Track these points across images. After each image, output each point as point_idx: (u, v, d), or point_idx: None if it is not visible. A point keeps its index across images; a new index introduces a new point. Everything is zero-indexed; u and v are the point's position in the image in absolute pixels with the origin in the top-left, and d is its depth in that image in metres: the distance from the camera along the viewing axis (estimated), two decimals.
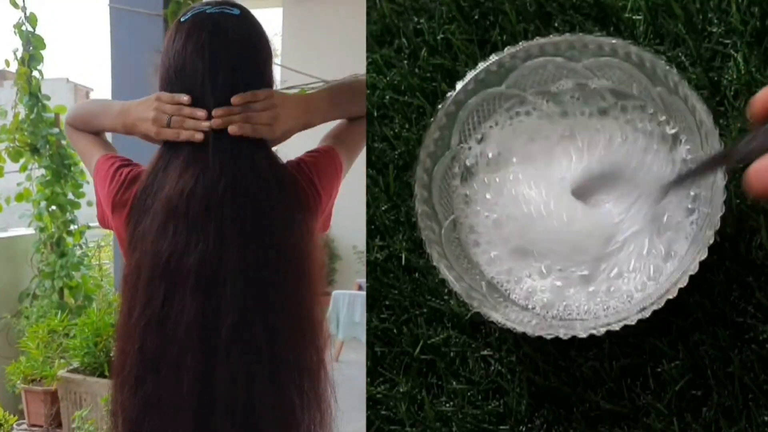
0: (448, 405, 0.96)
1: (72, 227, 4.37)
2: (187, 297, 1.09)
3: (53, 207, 4.28)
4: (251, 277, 1.11)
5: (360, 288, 5.14)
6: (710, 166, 0.82)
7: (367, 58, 1.01)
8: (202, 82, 1.16)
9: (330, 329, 4.55)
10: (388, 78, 1.01)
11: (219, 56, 1.16)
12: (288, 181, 1.18)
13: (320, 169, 1.25)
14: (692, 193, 0.90)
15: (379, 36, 1.02)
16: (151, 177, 1.17)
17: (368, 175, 1.00)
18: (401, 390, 0.97)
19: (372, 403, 0.97)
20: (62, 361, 3.80)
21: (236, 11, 1.20)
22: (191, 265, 1.10)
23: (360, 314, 4.67)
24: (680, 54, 0.95)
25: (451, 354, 0.96)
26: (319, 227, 1.26)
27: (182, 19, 1.21)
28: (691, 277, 0.83)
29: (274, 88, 1.22)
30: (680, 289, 0.83)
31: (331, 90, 1.34)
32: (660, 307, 0.83)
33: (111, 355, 3.56)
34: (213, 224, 1.11)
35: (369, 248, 0.99)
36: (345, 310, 4.76)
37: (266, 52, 1.22)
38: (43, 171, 4.27)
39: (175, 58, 1.18)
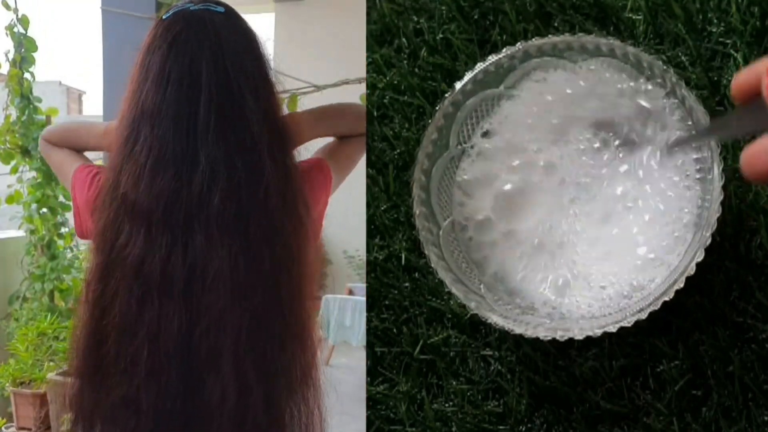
0: (448, 405, 0.96)
1: (63, 230, 4.36)
2: (172, 305, 1.08)
3: (44, 209, 4.27)
4: (239, 284, 1.09)
5: (351, 292, 5.13)
6: (698, 138, 0.82)
7: (367, 58, 1.01)
8: (180, 82, 1.11)
9: (321, 333, 4.54)
10: (388, 78, 1.01)
11: (201, 55, 1.12)
12: (289, 184, 1.15)
13: (312, 176, 1.24)
14: (688, 194, 0.90)
15: (379, 36, 1.01)
16: (125, 178, 1.12)
17: (368, 175, 1.00)
18: (401, 390, 0.97)
19: (372, 403, 0.97)
20: (51, 363, 3.78)
21: (221, 9, 1.17)
22: (177, 272, 1.07)
23: (350, 318, 4.66)
24: (680, 54, 0.95)
25: (451, 354, 0.96)
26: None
27: (164, 17, 1.18)
28: (691, 276, 0.83)
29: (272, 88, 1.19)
30: (681, 289, 0.83)
31: (315, 110, 1.36)
32: (657, 308, 0.83)
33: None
34: (200, 231, 1.08)
35: (369, 248, 0.99)
36: (335, 315, 4.76)
37: (254, 51, 1.18)
38: (34, 173, 4.26)
39: (153, 55, 1.14)
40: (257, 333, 1.10)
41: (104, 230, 1.12)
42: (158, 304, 1.08)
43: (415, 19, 1.01)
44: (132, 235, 1.09)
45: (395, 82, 1.01)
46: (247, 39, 1.18)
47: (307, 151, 1.28)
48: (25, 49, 4.21)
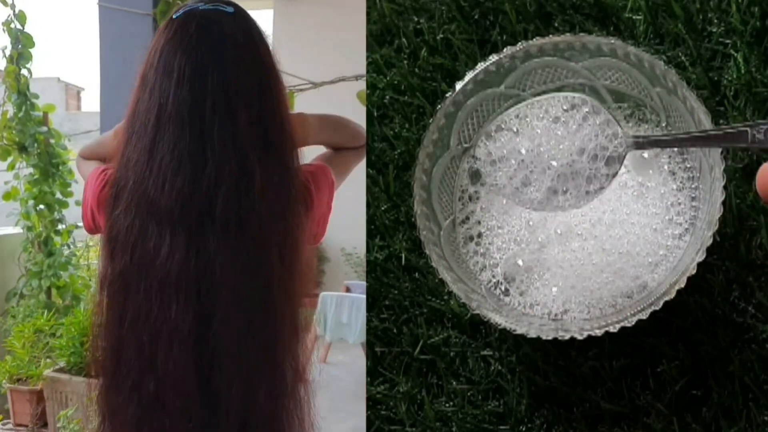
0: (448, 405, 0.96)
1: (60, 226, 4.37)
2: (183, 303, 1.09)
3: (41, 206, 4.28)
4: (246, 283, 1.11)
5: (348, 290, 5.13)
6: (720, 141, 0.79)
7: (367, 58, 1.01)
8: (193, 82, 1.12)
9: (318, 331, 4.55)
10: (388, 78, 1.01)
11: (209, 56, 1.14)
12: (289, 185, 1.16)
13: (316, 179, 1.25)
14: (692, 195, 0.90)
15: (379, 36, 1.01)
16: (132, 172, 1.14)
17: (368, 175, 1.00)
18: (401, 390, 0.97)
19: (372, 403, 0.97)
20: (48, 360, 3.79)
21: (230, 9, 1.18)
22: (189, 272, 1.10)
23: (347, 315, 4.66)
24: (680, 54, 0.95)
25: (451, 354, 0.96)
26: (309, 237, 1.26)
27: (174, 16, 1.19)
28: (691, 277, 0.83)
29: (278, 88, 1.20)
30: (680, 289, 0.83)
31: (321, 116, 1.38)
32: (658, 308, 0.83)
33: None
34: (211, 230, 1.10)
35: (369, 248, 0.99)
36: (332, 312, 4.76)
37: (262, 51, 1.19)
38: (31, 170, 4.27)
39: (159, 54, 1.15)
40: (254, 332, 1.11)
41: (127, 232, 1.13)
42: (176, 305, 1.10)
43: (415, 19, 1.01)
44: (158, 237, 1.11)
45: (395, 82, 1.00)
46: (252, 41, 1.19)
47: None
48: (22, 46, 4.21)
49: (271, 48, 1.22)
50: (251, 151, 1.12)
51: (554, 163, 0.88)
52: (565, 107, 0.89)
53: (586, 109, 0.88)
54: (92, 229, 1.31)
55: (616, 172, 0.87)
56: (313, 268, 1.32)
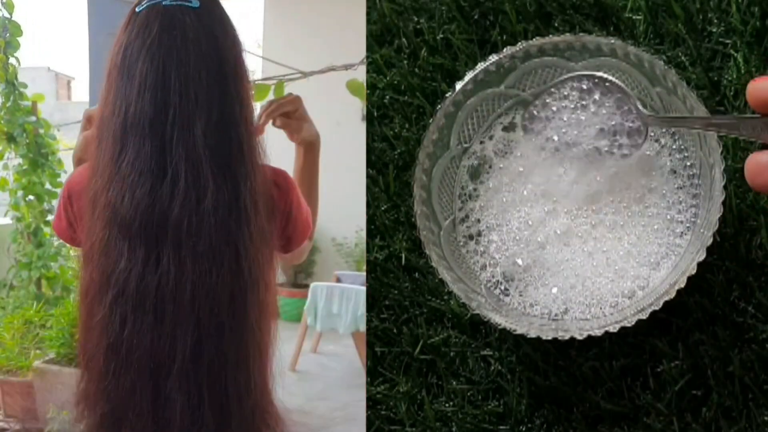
0: (448, 405, 0.96)
1: (49, 217, 4.35)
2: (145, 321, 1.08)
3: (30, 197, 4.26)
4: (207, 300, 1.09)
5: (338, 280, 5.13)
6: (706, 125, 0.81)
7: (367, 58, 1.01)
8: (155, 89, 1.09)
9: (308, 321, 4.55)
10: (388, 78, 1.00)
11: (170, 60, 1.10)
12: (244, 196, 1.13)
13: (277, 184, 1.23)
14: (693, 193, 0.91)
15: (379, 36, 1.01)
16: (99, 183, 1.12)
17: (368, 175, 1.00)
18: (401, 390, 0.97)
19: (372, 403, 0.97)
20: (38, 351, 3.78)
21: (195, 3, 1.13)
22: (146, 286, 1.08)
23: (338, 306, 4.65)
24: (680, 54, 0.95)
25: (451, 354, 0.96)
26: (280, 245, 1.25)
27: (137, 9, 1.13)
28: (691, 276, 0.83)
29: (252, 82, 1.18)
30: (680, 289, 0.83)
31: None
32: (658, 308, 0.83)
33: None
34: (171, 244, 1.08)
35: (369, 248, 0.99)
36: (323, 302, 4.75)
37: (230, 50, 1.15)
38: (19, 160, 4.25)
39: (131, 59, 1.11)
40: (206, 347, 1.10)
41: (99, 245, 1.12)
42: (133, 319, 1.08)
43: (415, 19, 1.01)
44: (119, 249, 1.09)
45: (395, 82, 1.00)
46: (215, 43, 1.14)
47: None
48: (10, 34, 4.19)
49: (231, 48, 1.17)
50: (207, 162, 1.10)
51: (582, 147, 0.91)
52: (585, 86, 0.91)
53: (598, 93, 0.90)
54: (61, 232, 1.29)
55: (639, 144, 0.90)
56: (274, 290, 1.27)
